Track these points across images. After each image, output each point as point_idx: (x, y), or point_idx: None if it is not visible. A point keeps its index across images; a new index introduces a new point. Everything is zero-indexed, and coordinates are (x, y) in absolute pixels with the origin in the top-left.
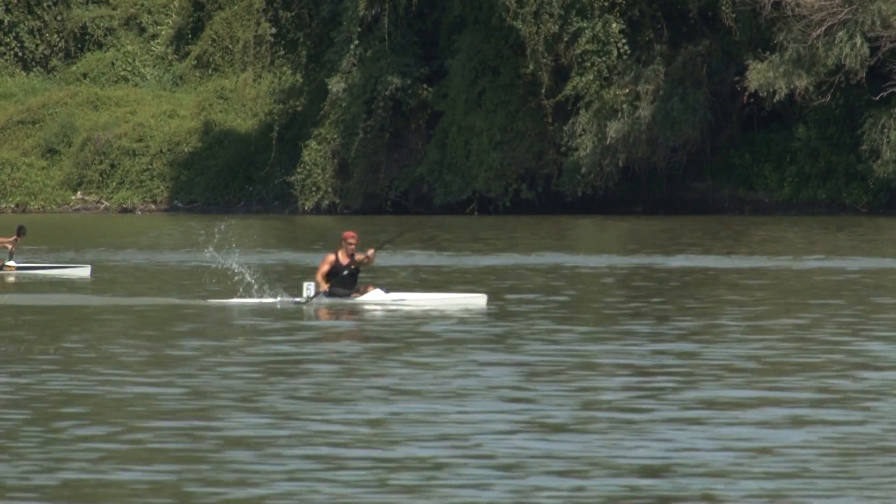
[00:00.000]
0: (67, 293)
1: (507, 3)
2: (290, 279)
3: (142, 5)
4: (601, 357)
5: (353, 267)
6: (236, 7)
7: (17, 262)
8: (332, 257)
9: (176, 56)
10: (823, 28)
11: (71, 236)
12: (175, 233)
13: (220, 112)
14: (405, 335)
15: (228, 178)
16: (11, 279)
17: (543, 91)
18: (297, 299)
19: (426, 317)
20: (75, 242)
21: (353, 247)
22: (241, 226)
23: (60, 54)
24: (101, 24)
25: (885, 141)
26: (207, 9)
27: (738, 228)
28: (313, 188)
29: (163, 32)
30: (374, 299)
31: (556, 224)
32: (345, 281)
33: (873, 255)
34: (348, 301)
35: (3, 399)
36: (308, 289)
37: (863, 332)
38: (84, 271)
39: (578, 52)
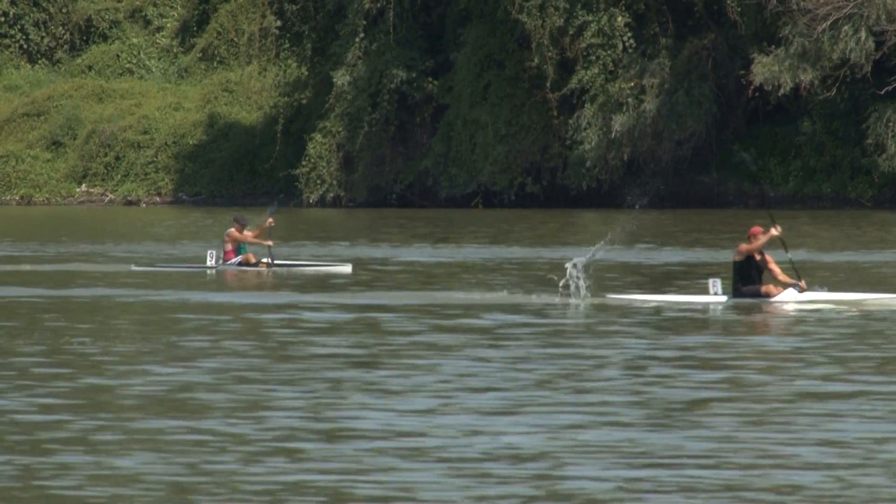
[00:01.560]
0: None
1: None
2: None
3: None
4: None
5: (763, 262)
6: (241, 0)
7: (270, 260)
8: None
9: (181, 49)
10: (829, 22)
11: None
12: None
13: (226, 105)
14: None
15: (233, 170)
16: (267, 274)
17: (548, 84)
18: (710, 298)
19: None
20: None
21: (760, 242)
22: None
23: (65, 46)
24: (107, 17)
25: (889, 135)
26: (213, 1)
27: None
28: (318, 181)
29: (168, 25)
30: (788, 298)
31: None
32: (755, 278)
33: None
34: (759, 300)
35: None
36: (714, 286)
37: None
38: (345, 268)
39: (584, 45)
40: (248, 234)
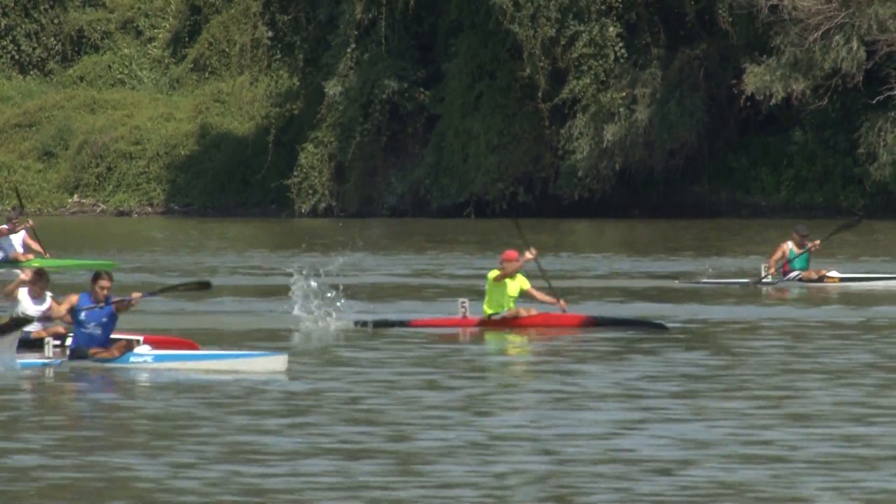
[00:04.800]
0: None
1: (504, 7)
2: None
3: (139, 9)
4: None
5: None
6: (233, 10)
7: (840, 273)
8: None
9: (173, 59)
10: (820, 32)
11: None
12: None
13: (217, 115)
14: None
15: (225, 181)
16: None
17: (540, 94)
18: None
19: None
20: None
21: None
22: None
23: (57, 57)
24: (98, 28)
25: (881, 144)
26: (204, 12)
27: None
28: (310, 191)
29: (160, 36)
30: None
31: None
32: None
33: None
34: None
35: None
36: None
37: None
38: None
39: (575, 55)
40: (810, 244)
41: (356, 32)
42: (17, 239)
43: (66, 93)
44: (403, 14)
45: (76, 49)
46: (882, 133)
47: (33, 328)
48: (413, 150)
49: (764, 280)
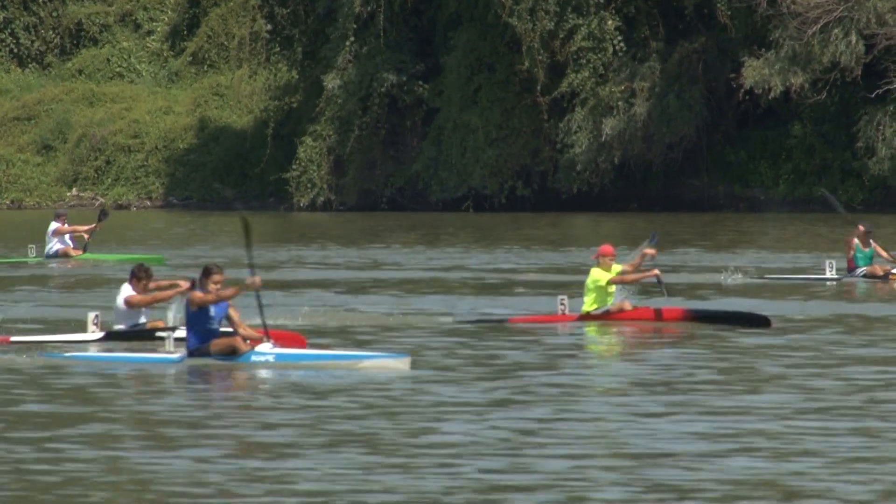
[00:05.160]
0: None
1: (503, 0)
2: None
3: (137, 1)
4: None
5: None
6: (232, 3)
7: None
8: None
9: (171, 52)
10: (819, 25)
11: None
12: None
13: (216, 108)
14: None
15: (224, 174)
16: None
17: (539, 88)
18: None
19: None
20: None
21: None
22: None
23: (56, 50)
24: (97, 21)
25: (880, 138)
26: (203, 5)
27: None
28: (309, 185)
29: (158, 29)
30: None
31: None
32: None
33: None
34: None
35: None
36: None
37: None
38: None
39: (574, 48)
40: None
41: (355, 26)
42: (67, 235)
43: (64, 86)
44: (402, 7)
45: (75, 42)
46: (881, 127)
47: (143, 318)
48: (412, 144)
49: (836, 277)
